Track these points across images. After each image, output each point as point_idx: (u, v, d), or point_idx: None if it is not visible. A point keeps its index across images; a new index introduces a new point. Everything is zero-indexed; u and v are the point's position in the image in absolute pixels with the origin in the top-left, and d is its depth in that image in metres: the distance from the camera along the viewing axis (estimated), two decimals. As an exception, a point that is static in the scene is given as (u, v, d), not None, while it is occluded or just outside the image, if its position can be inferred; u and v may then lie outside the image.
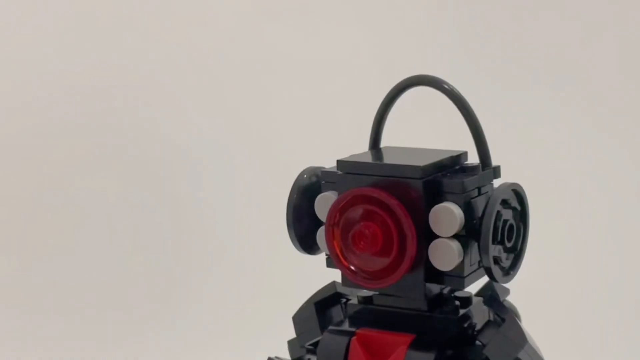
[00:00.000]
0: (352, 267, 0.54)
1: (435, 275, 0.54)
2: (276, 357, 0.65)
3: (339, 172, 0.56)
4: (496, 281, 0.54)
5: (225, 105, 1.32)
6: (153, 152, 1.32)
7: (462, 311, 0.57)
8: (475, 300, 0.59)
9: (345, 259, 0.55)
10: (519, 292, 0.62)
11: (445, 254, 0.52)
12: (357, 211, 0.53)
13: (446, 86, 0.57)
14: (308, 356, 0.64)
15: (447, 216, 0.52)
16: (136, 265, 1.28)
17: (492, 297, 0.58)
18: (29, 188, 1.32)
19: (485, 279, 0.59)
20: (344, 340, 0.56)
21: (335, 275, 0.59)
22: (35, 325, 1.25)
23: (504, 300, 0.61)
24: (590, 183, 1.19)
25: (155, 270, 1.27)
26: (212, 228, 1.29)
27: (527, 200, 0.55)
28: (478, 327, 0.57)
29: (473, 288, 0.60)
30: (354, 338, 0.56)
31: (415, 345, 0.54)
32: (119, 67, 1.33)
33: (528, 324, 0.58)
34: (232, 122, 1.31)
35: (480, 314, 0.58)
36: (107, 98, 1.33)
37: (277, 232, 0.66)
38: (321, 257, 0.60)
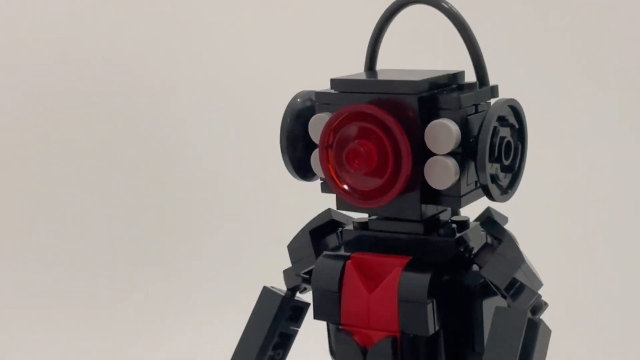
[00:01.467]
0: (347, 188, 0.54)
1: (431, 195, 0.53)
2: (272, 287, 0.64)
3: (334, 92, 0.55)
4: (494, 200, 0.53)
5: (215, 30, 1.29)
6: (145, 103, 1.30)
7: (458, 234, 0.56)
8: (472, 224, 0.58)
9: (339, 180, 0.54)
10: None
11: (441, 172, 0.51)
12: (352, 129, 0.52)
13: (444, 4, 0.55)
14: (304, 285, 0.64)
15: (443, 132, 0.51)
16: (134, 214, 1.27)
17: (488, 218, 0.57)
18: (25, 137, 1.31)
19: (483, 206, 0.58)
20: (338, 264, 0.55)
21: (331, 202, 0.58)
22: (33, 280, 1.25)
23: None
24: (592, 110, 1.16)
25: (152, 217, 1.27)
26: (207, 169, 1.27)
27: (524, 117, 0.54)
28: (475, 250, 0.57)
29: (471, 216, 0.59)
30: (348, 262, 0.55)
31: (411, 267, 0.53)
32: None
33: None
34: (222, 51, 1.28)
35: (477, 238, 0.58)
36: (97, 53, 1.31)
37: (273, 167, 0.65)
38: (320, 200, 0.59)
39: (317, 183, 0.60)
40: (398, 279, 0.53)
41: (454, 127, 0.51)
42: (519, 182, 0.55)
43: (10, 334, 1.12)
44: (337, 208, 0.57)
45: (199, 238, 1.24)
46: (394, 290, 0.53)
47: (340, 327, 0.55)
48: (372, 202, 0.53)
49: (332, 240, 0.62)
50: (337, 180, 0.54)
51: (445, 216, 0.58)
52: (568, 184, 1.14)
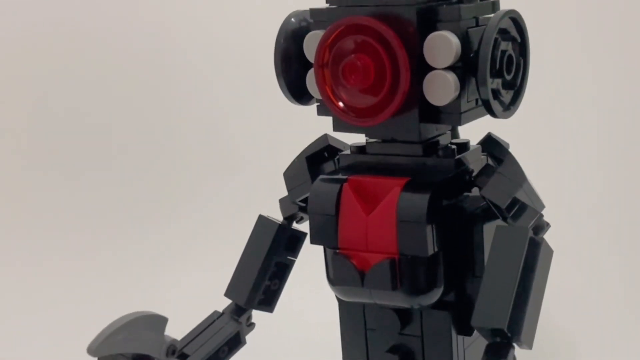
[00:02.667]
0: (343, 105, 0.52)
1: (430, 113, 0.52)
2: (268, 216, 0.63)
3: (329, 7, 0.53)
4: (495, 116, 0.51)
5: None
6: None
7: (458, 156, 0.54)
8: (473, 147, 0.57)
9: (335, 98, 0.52)
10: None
11: (441, 86, 0.50)
12: (348, 44, 0.51)
13: None
14: (300, 214, 0.63)
15: (443, 44, 0.49)
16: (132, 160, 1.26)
17: (490, 138, 0.55)
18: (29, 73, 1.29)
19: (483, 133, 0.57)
20: (335, 187, 0.54)
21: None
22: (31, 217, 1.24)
23: None
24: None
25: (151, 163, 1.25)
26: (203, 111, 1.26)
27: (526, 30, 0.52)
28: (475, 173, 0.55)
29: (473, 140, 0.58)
30: (345, 184, 0.54)
31: (409, 187, 0.52)
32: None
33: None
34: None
35: (477, 161, 0.56)
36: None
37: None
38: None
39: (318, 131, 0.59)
40: (396, 199, 0.51)
41: (453, 40, 0.49)
42: (521, 99, 0.53)
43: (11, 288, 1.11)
44: (334, 129, 0.56)
45: (200, 181, 1.23)
46: (392, 211, 0.51)
47: (337, 251, 0.54)
48: (370, 119, 0.51)
49: (329, 167, 0.61)
50: (333, 98, 0.52)
51: (445, 140, 0.56)
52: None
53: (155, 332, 0.51)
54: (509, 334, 0.48)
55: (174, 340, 0.52)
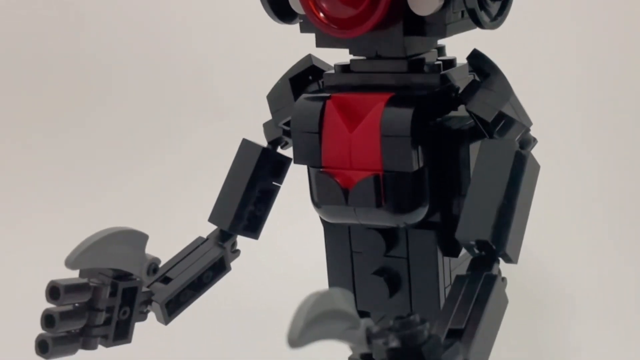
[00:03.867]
0: (324, 16, 0.51)
1: (414, 25, 0.50)
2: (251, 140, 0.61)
3: None
4: (482, 27, 0.50)
5: None
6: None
7: (444, 71, 0.53)
8: (459, 64, 0.56)
9: (317, 9, 0.51)
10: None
11: (425, -6, 0.48)
12: (330, -50, 0.49)
13: None
14: (285, 139, 0.62)
15: (427, -51, 0.48)
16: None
17: (476, 53, 0.54)
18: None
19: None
20: (318, 104, 0.53)
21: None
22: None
23: None
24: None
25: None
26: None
27: None
28: (461, 90, 0.54)
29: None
30: (329, 101, 0.52)
31: (393, 102, 0.51)
32: None
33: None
34: None
35: (464, 80, 0.55)
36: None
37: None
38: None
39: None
40: (380, 114, 0.50)
41: (438, -58, 0.48)
42: (508, 10, 0.52)
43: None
44: (317, 45, 0.54)
45: (190, 125, 1.22)
46: (376, 126, 0.50)
47: (321, 170, 0.53)
48: (353, 30, 0.50)
49: (313, 88, 0.59)
50: (314, 9, 0.51)
51: (431, 58, 0.55)
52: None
53: (136, 248, 0.50)
54: (494, 246, 0.47)
55: (155, 258, 0.52)
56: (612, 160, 1.02)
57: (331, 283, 0.59)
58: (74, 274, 0.50)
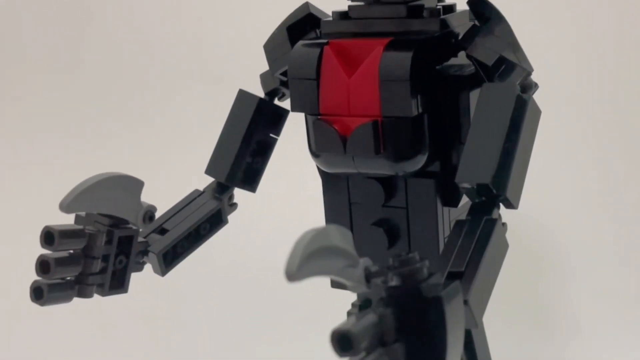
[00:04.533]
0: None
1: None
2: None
3: None
4: None
5: None
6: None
7: (444, 16, 0.52)
8: (460, 10, 0.55)
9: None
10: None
11: None
12: None
13: None
14: (282, 90, 0.61)
15: None
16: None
17: None
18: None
19: None
20: (315, 50, 0.52)
21: None
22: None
23: None
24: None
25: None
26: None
27: None
28: (461, 36, 0.53)
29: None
30: (327, 47, 0.52)
31: (392, 46, 0.50)
32: None
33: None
34: None
35: (465, 25, 0.54)
36: None
37: None
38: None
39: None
40: (379, 58, 0.49)
41: None
42: None
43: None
44: (313, -10, 0.53)
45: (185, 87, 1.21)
46: (374, 71, 0.49)
47: (319, 117, 0.52)
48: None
49: (310, 37, 0.58)
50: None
51: (430, 3, 0.54)
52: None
53: (131, 195, 0.49)
54: (494, 190, 0.47)
55: (151, 206, 0.51)
56: (614, 117, 1.01)
57: (329, 235, 0.58)
58: (69, 221, 0.49)
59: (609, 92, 1.02)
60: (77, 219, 0.50)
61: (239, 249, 0.87)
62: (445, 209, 0.55)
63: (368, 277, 0.39)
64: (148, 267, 0.56)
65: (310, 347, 0.78)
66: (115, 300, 0.54)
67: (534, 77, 0.53)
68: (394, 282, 0.37)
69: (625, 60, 1.02)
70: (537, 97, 0.52)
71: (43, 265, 0.47)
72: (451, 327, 0.37)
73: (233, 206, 0.61)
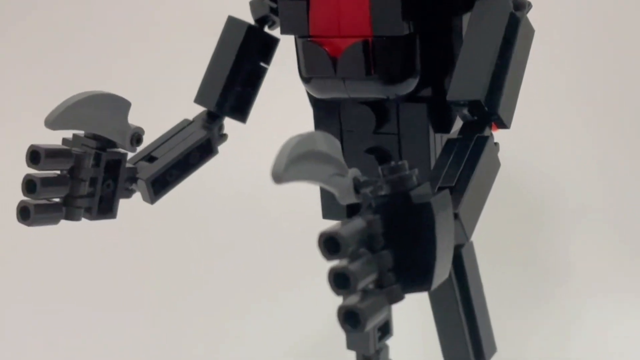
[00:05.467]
0: None
1: None
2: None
3: None
4: None
5: None
6: None
7: None
8: None
9: None
10: None
11: None
12: None
13: None
14: (272, 17, 0.60)
15: None
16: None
17: None
18: None
19: None
20: None
21: None
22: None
23: None
24: None
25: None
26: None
27: None
28: None
29: None
30: None
31: None
32: None
33: None
34: None
35: None
36: None
37: None
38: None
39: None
40: None
41: None
42: None
43: None
44: None
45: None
46: (365, -12, 0.49)
47: (308, 39, 0.51)
48: None
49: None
50: None
51: None
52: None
53: (118, 115, 0.48)
54: (486, 108, 0.46)
55: (139, 127, 0.50)
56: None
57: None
58: (57, 140, 0.48)
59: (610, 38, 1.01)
60: (64, 142, 0.49)
61: (227, 179, 0.86)
62: (438, 135, 0.54)
63: (357, 187, 0.39)
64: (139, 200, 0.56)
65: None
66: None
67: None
68: (383, 190, 0.37)
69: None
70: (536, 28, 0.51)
71: (29, 185, 0.46)
72: (440, 236, 0.36)
73: (223, 137, 0.61)
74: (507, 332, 0.65)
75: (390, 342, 0.60)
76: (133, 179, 0.54)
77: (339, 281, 0.34)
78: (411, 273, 0.36)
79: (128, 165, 0.53)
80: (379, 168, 0.37)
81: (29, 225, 0.46)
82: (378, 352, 0.59)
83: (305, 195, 0.66)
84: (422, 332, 0.69)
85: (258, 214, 0.88)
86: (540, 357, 0.78)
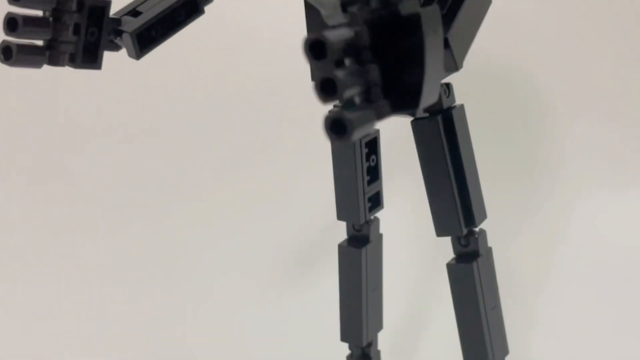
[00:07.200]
0: None
1: None
2: None
3: None
4: None
5: None
6: None
7: None
8: None
9: None
10: None
11: None
12: None
13: None
14: None
15: None
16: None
17: None
18: None
19: None
20: None
21: None
22: None
23: None
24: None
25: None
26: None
27: None
28: None
29: None
30: None
31: None
32: None
33: None
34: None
35: None
36: None
37: None
38: None
39: None
40: None
41: None
42: None
43: None
44: None
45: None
46: None
47: None
48: None
49: None
50: None
51: None
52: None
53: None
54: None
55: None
56: None
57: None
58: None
59: None
60: None
61: (211, 40, 0.84)
62: None
63: (344, 4, 0.38)
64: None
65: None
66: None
67: None
68: (372, 5, 0.36)
69: None
70: None
71: (11, 23, 0.45)
72: (429, 53, 0.36)
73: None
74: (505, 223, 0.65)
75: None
76: (118, 32, 0.53)
77: (326, 88, 0.33)
78: (399, 90, 0.36)
79: (113, 16, 0.52)
80: None
81: (11, 65, 0.46)
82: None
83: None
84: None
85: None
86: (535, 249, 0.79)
